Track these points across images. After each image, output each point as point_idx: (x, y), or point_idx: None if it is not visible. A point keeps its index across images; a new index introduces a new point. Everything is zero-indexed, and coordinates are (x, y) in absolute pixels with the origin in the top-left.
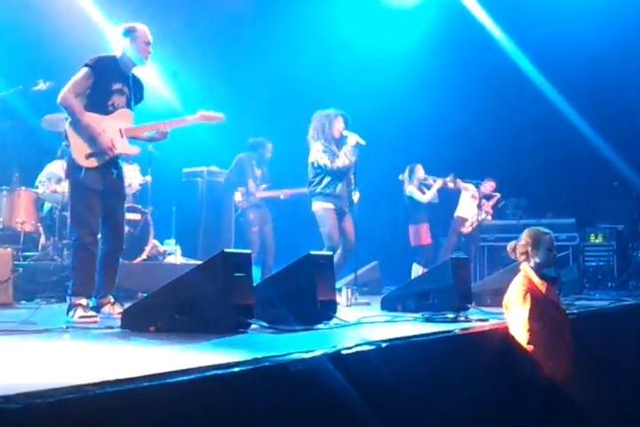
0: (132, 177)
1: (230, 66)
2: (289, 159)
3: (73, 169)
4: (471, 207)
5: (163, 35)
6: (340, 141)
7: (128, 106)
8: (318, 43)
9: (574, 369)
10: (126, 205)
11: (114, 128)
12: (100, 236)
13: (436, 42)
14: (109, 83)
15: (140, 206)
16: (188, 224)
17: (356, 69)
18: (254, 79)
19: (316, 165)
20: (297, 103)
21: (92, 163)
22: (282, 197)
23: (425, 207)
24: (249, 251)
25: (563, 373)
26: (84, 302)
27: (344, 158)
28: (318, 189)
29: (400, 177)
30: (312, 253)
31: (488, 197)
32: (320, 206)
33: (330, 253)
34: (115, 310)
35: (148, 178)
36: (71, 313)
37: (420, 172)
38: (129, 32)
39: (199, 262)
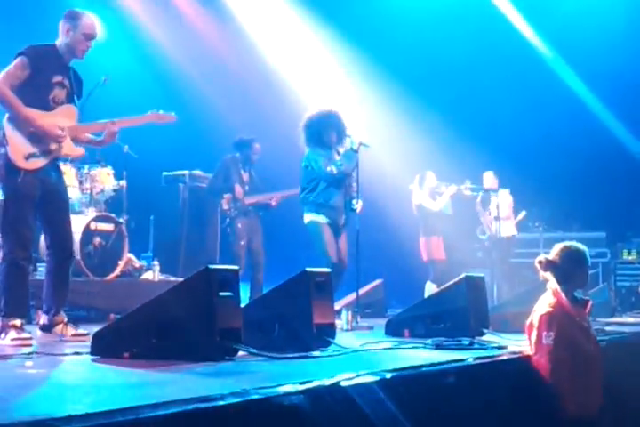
0: (105, 182)
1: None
2: (283, 161)
3: (8, 172)
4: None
5: None
6: (339, 143)
7: (71, 101)
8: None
9: (604, 404)
10: (98, 213)
11: (55, 126)
12: (47, 249)
13: (460, 35)
14: (49, 75)
15: (113, 215)
16: (167, 236)
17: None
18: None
19: (309, 169)
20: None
21: (33, 165)
22: (273, 203)
23: (436, 217)
24: (236, 267)
25: (591, 409)
26: (17, 322)
27: (342, 163)
28: (311, 198)
29: (410, 187)
30: (308, 269)
31: (490, 191)
32: (312, 219)
33: (328, 270)
34: (67, 332)
35: (123, 183)
36: (2, 335)
37: (431, 179)
38: (71, 18)
39: (180, 280)
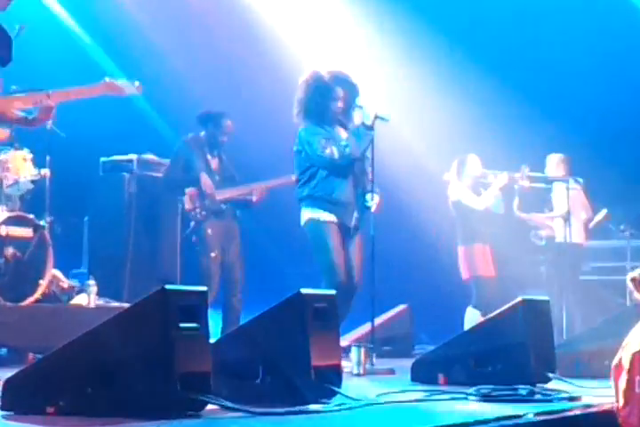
0: (20, 170)
1: None
2: (269, 141)
3: None
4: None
5: None
6: (346, 117)
7: None
8: None
9: None
10: (10, 214)
11: None
12: None
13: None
14: None
15: (31, 217)
16: (108, 245)
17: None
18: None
19: (303, 154)
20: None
21: None
22: (255, 198)
23: (481, 218)
24: (204, 288)
25: None
26: None
27: (348, 144)
28: (307, 191)
29: (445, 176)
30: (305, 291)
31: (556, 182)
32: (311, 217)
33: (332, 291)
34: None
35: (46, 172)
36: None
37: (474, 166)
38: None
39: (125, 306)
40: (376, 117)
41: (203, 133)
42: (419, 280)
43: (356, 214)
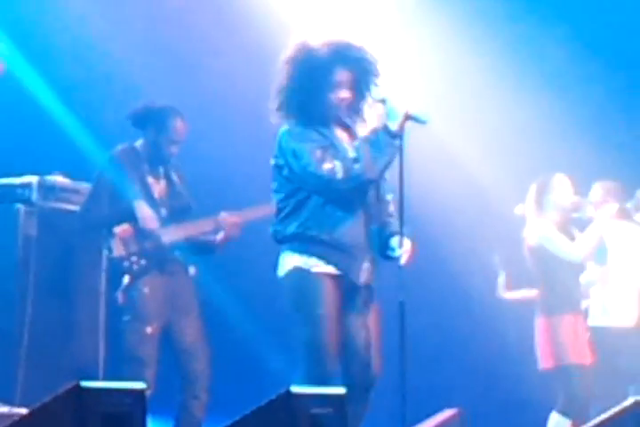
0: None
1: None
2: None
3: None
4: None
5: None
6: (356, 112)
7: None
8: None
9: None
10: None
11: None
12: None
13: None
14: None
15: None
16: None
17: None
18: None
19: (286, 171)
20: None
21: None
22: (219, 237)
23: (576, 274)
24: (141, 384)
25: None
26: None
27: (360, 156)
28: (292, 227)
29: (518, 209)
30: (296, 390)
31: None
32: (297, 266)
33: (339, 390)
34: None
35: None
36: None
37: (562, 190)
38: None
39: (19, 412)
40: (407, 117)
41: (140, 143)
42: (472, 370)
43: (367, 266)
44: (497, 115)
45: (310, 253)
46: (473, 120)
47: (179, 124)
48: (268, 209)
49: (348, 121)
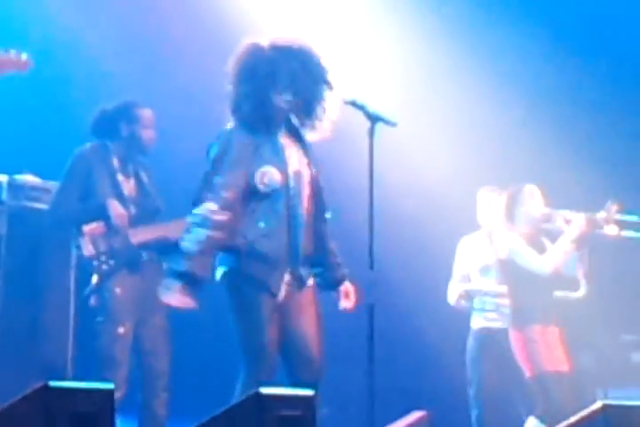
0: None
1: None
2: None
3: None
4: None
5: None
6: (307, 116)
7: None
8: None
9: None
10: None
11: None
12: None
13: None
14: None
15: None
16: None
17: None
18: None
19: (208, 181)
20: None
21: None
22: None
23: (547, 286)
24: (109, 385)
25: None
26: None
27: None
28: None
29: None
30: (266, 391)
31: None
32: (229, 267)
33: (308, 392)
34: None
35: None
36: None
37: (533, 201)
38: None
39: None
40: (376, 119)
41: (110, 142)
42: (441, 373)
43: (289, 279)
44: (468, 122)
45: (235, 265)
46: (439, 126)
47: (145, 111)
48: None
49: (295, 125)
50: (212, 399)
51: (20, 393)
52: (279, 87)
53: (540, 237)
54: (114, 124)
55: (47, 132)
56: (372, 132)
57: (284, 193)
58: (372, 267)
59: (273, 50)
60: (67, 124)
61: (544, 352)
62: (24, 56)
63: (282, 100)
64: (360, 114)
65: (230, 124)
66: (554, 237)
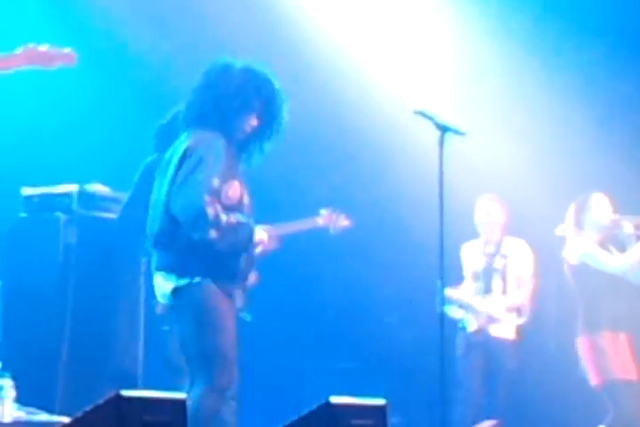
0: None
1: None
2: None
3: None
4: None
5: None
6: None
7: None
8: None
9: None
10: None
11: None
12: None
13: None
14: None
15: None
16: (32, 326)
17: None
18: None
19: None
20: None
21: None
22: (257, 250)
23: (619, 292)
24: (181, 395)
25: None
26: None
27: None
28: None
29: (559, 230)
30: (336, 400)
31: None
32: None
33: (380, 402)
34: None
35: None
36: None
37: (601, 209)
38: None
39: (60, 421)
40: (446, 129)
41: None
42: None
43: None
44: (536, 133)
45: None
46: (511, 137)
47: None
48: (305, 224)
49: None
50: (281, 408)
51: (93, 403)
52: (250, 111)
53: (609, 244)
54: (174, 137)
55: (117, 144)
56: (441, 142)
57: (239, 210)
58: (441, 277)
59: (253, 75)
60: (136, 136)
61: (614, 359)
62: (67, 50)
63: (249, 124)
64: (430, 124)
65: (208, 132)
66: (622, 244)
